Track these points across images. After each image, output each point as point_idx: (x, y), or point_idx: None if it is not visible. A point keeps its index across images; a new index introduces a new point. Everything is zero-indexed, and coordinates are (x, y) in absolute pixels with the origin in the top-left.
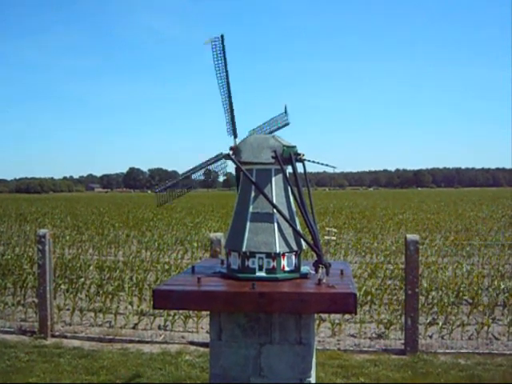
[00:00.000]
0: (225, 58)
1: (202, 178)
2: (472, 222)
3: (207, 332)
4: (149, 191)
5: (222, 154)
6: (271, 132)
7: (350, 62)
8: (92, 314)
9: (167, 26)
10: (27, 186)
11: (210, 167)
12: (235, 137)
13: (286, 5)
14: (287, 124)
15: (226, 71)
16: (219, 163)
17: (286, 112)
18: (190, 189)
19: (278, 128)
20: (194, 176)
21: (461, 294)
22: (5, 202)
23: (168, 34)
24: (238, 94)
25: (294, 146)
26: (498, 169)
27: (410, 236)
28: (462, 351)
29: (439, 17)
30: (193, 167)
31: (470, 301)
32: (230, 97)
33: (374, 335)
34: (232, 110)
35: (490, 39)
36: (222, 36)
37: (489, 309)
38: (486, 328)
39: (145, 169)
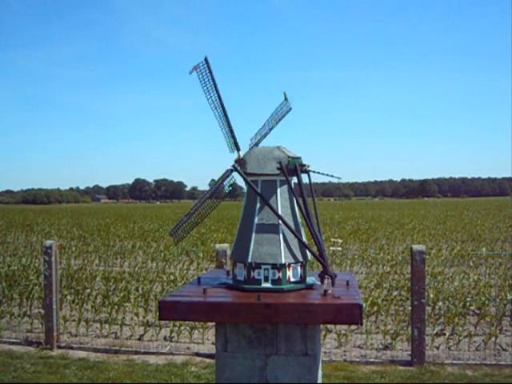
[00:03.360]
0: (213, 79)
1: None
2: (479, 231)
3: (213, 343)
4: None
5: (229, 170)
6: (277, 123)
7: (353, 70)
8: (98, 325)
9: (171, 36)
10: (34, 197)
11: (220, 186)
12: (238, 150)
13: (287, 12)
14: (290, 109)
15: (217, 91)
16: (228, 179)
17: (285, 99)
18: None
19: (283, 117)
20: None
21: (468, 304)
22: (11, 212)
23: (172, 43)
24: (244, 101)
25: (299, 157)
26: (504, 178)
27: (415, 246)
28: (469, 362)
29: (443, 25)
30: (202, 195)
31: (477, 311)
32: (226, 115)
33: (380, 346)
34: (230, 127)
35: (494, 47)
36: (206, 58)
37: (496, 319)
38: (493, 339)
39: (150, 179)
